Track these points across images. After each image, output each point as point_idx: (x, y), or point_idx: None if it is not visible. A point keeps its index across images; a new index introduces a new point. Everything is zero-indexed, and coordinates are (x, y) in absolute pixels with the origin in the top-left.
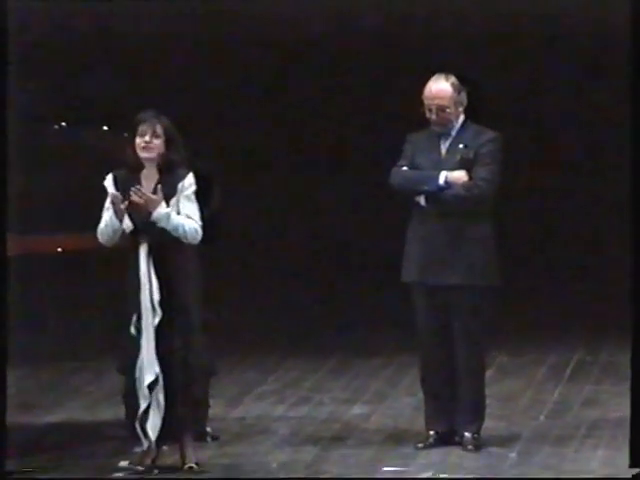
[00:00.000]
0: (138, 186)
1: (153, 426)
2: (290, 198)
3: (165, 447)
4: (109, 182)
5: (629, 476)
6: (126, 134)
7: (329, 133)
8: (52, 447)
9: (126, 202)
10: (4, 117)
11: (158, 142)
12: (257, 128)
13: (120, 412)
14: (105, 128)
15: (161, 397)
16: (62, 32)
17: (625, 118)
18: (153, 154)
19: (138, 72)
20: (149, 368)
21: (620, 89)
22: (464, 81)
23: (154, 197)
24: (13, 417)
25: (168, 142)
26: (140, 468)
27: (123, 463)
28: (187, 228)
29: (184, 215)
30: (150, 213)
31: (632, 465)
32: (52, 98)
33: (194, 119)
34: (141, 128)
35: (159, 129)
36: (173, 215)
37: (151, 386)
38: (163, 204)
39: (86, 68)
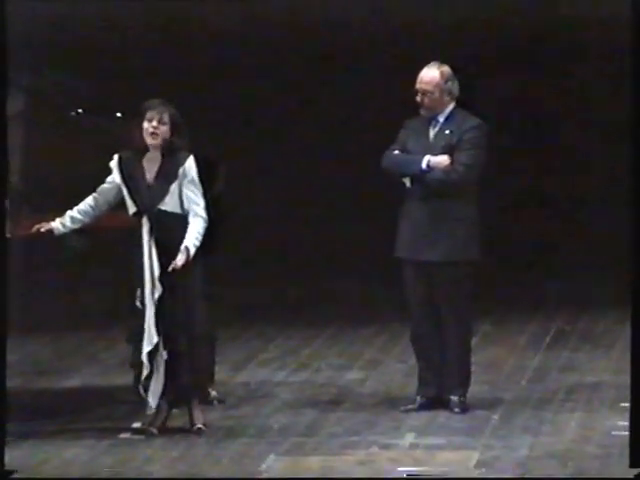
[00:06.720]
0: (174, 263)
1: (154, 392)
2: (293, 172)
3: (175, 410)
4: (114, 163)
5: (630, 476)
6: (133, 119)
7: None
8: (69, 410)
9: None
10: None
11: (164, 128)
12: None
13: (132, 378)
14: (119, 115)
15: (162, 366)
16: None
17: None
18: (158, 140)
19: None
20: (148, 339)
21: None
22: (461, 73)
23: (183, 257)
24: (32, 382)
25: (173, 128)
26: (153, 430)
27: (136, 424)
28: (201, 230)
29: (187, 201)
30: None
31: (632, 465)
32: (70, 86)
33: (196, 99)
34: (149, 114)
35: (165, 117)
36: (195, 239)
37: (151, 355)
38: (190, 247)
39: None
